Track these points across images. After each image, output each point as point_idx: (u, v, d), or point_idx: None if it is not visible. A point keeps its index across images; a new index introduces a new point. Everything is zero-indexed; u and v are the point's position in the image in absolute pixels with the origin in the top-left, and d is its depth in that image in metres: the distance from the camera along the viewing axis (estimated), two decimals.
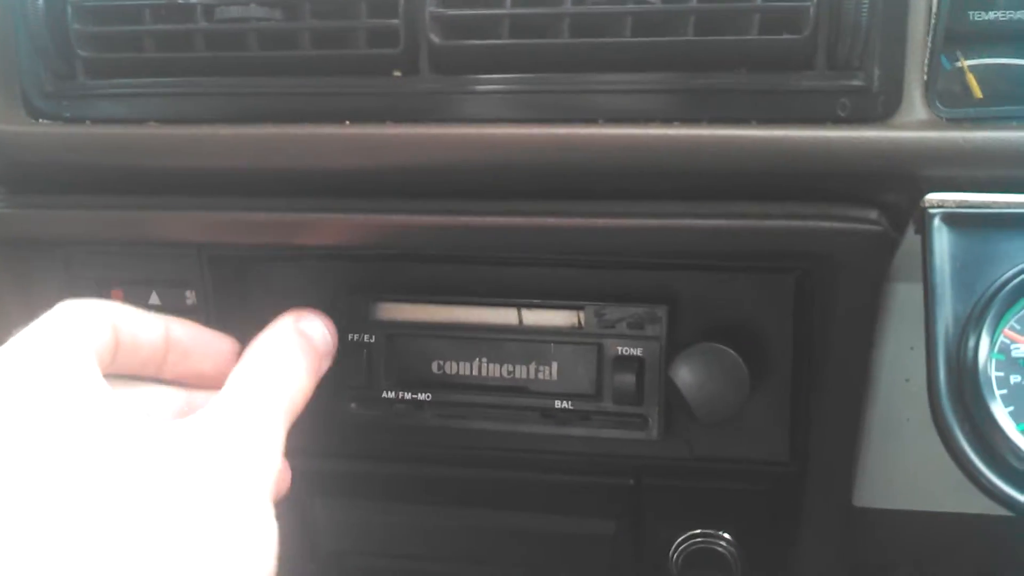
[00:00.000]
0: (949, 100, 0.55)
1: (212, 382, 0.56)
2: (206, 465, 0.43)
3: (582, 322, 0.64)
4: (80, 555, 0.37)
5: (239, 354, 0.58)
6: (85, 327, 0.47)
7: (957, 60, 0.57)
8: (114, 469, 0.40)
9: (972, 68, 0.57)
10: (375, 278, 0.67)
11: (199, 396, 0.55)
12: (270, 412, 0.48)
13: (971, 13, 0.56)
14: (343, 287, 0.67)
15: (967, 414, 0.49)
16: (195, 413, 0.46)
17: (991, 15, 0.56)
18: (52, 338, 0.46)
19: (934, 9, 0.55)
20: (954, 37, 0.55)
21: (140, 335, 0.52)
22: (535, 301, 0.65)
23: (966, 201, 0.53)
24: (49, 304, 0.49)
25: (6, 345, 0.45)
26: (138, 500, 0.40)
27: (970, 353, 0.50)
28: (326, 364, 0.56)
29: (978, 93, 0.57)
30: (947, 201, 0.53)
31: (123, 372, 0.51)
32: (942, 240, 0.52)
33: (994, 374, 0.51)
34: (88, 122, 0.62)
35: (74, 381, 0.43)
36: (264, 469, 0.45)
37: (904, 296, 0.62)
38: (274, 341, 0.53)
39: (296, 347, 0.53)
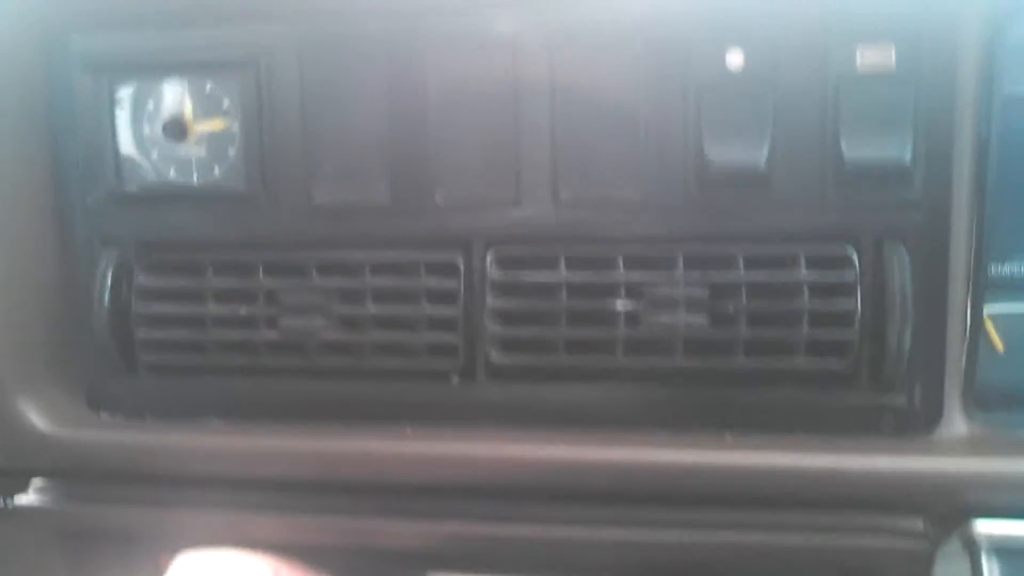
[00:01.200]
0: (985, 402, 0.58)
1: None
2: None
3: None
4: None
5: None
6: None
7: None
8: None
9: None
10: (416, 549, 0.68)
11: None
12: None
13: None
14: (385, 560, 0.68)
15: None
16: None
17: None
18: None
19: (968, 327, 0.58)
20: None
21: None
22: None
23: (1014, 529, 0.54)
24: None
25: None
26: None
27: None
28: None
29: (1000, 347, 0.60)
30: (994, 527, 0.55)
31: None
32: (992, 571, 0.54)
33: None
34: (148, 417, 0.63)
35: None
36: None
37: None
38: None
39: None
